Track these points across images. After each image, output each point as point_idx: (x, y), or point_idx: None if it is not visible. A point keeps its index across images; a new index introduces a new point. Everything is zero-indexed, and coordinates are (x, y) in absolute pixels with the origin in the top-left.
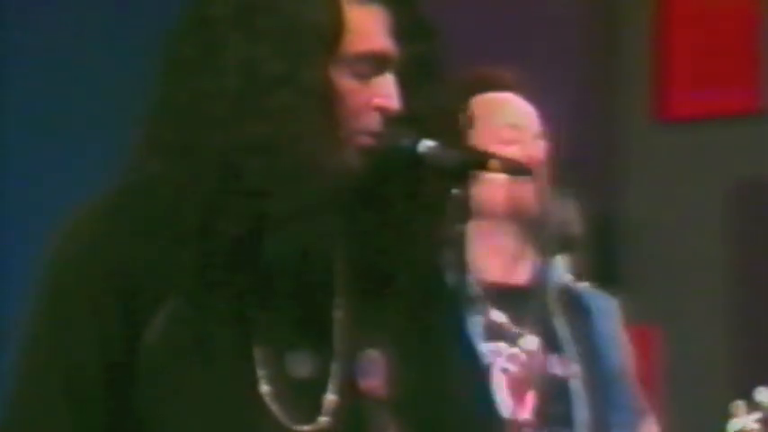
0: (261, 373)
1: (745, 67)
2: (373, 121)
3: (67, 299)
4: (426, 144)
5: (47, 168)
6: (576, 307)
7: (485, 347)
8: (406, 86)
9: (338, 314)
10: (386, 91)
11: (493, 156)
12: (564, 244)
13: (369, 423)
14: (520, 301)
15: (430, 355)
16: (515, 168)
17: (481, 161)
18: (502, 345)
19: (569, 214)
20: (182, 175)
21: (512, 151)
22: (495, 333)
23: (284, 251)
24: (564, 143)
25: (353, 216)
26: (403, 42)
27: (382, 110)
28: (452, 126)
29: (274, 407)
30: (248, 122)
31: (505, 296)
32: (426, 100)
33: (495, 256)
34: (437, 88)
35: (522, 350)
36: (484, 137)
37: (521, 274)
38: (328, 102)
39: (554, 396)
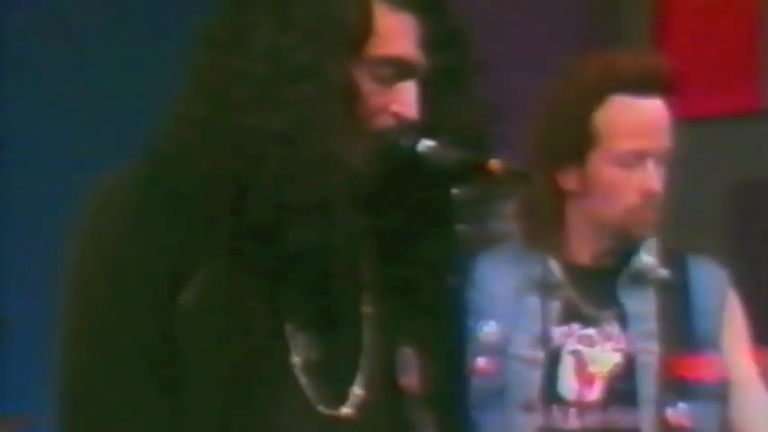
0: (292, 344)
1: (745, 67)
2: (386, 126)
3: (120, 266)
4: (426, 144)
5: (46, 161)
6: (665, 284)
7: (556, 331)
8: (430, 97)
9: (367, 309)
10: (405, 98)
11: (493, 156)
12: None
13: (400, 420)
14: (600, 283)
15: (450, 352)
16: (515, 171)
17: (481, 162)
18: (575, 326)
19: None
20: (213, 151)
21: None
22: (570, 315)
23: (303, 241)
24: None
25: (373, 214)
26: (432, 53)
27: (398, 116)
28: (471, 140)
29: (303, 380)
30: (271, 110)
31: (586, 277)
32: (448, 113)
33: (585, 239)
34: (461, 102)
35: (600, 331)
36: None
37: (605, 257)
38: (349, 98)
39: (621, 375)
